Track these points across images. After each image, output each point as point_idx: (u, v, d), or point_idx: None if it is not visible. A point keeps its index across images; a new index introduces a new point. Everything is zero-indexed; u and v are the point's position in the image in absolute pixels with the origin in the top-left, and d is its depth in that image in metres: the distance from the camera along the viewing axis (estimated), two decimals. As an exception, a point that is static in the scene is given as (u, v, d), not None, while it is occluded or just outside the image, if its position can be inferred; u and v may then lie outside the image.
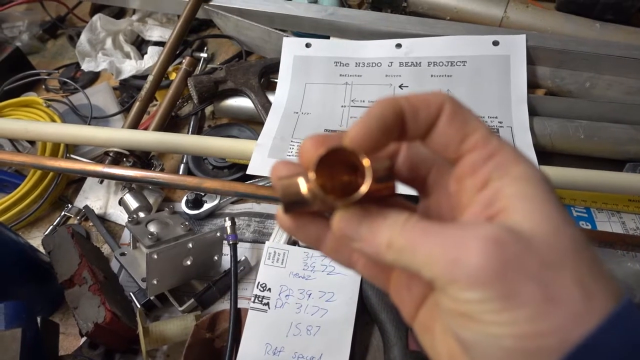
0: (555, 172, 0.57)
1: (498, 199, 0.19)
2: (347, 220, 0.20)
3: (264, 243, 0.59)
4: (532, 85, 0.69)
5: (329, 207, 0.21)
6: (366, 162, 0.19)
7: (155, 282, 0.53)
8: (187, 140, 0.61)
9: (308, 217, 0.23)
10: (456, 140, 0.20)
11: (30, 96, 0.78)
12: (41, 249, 0.60)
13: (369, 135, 0.20)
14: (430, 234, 0.18)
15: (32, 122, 0.67)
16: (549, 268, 0.17)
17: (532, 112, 0.64)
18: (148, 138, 0.61)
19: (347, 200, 0.19)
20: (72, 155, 0.68)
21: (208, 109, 0.77)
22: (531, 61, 0.68)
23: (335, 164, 0.20)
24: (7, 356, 0.42)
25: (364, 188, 0.19)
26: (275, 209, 0.64)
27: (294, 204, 0.21)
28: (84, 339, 0.55)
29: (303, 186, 0.20)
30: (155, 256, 0.51)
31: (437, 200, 0.23)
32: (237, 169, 0.68)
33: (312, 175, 0.19)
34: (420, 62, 0.69)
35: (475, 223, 0.19)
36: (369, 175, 0.19)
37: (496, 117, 0.64)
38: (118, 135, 0.62)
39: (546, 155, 0.63)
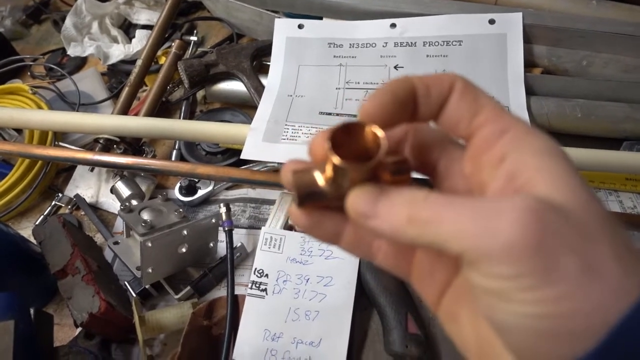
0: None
1: (520, 171, 0.18)
2: (362, 197, 0.19)
3: (260, 229, 0.58)
4: (529, 64, 0.68)
5: (345, 188, 0.20)
6: (380, 132, 0.19)
7: (150, 270, 0.52)
8: (179, 126, 0.60)
9: (323, 212, 0.21)
10: (467, 116, 0.20)
11: (15, 83, 0.76)
12: (32, 240, 0.58)
13: (382, 109, 0.19)
14: (456, 205, 0.17)
15: (17, 109, 0.65)
16: (588, 240, 0.16)
17: (529, 91, 0.63)
18: (139, 124, 0.60)
19: (367, 165, 0.18)
20: (61, 143, 0.67)
21: (199, 94, 0.76)
22: (528, 39, 0.67)
23: (349, 149, 0.19)
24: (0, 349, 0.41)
25: (383, 151, 0.18)
26: (271, 193, 0.63)
27: (309, 196, 0.20)
28: (79, 329, 0.54)
29: (319, 176, 0.20)
30: (150, 244, 0.50)
31: (452, 184, 0.22)
32: (230, 154, 0.66)
33: (327, 144, 0.18)
34: (415, 42, 0.68)
35: (507, 195, 0.17)
36: (384, 144, 0.18)
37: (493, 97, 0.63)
38: (108, 121, 0.60)
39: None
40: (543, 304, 0.16)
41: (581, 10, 0.71)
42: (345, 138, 0.19)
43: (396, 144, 0.22)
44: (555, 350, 0.16)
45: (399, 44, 0.68)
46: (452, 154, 0.22)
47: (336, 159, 0.18)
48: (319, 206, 0.21)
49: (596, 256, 0.16)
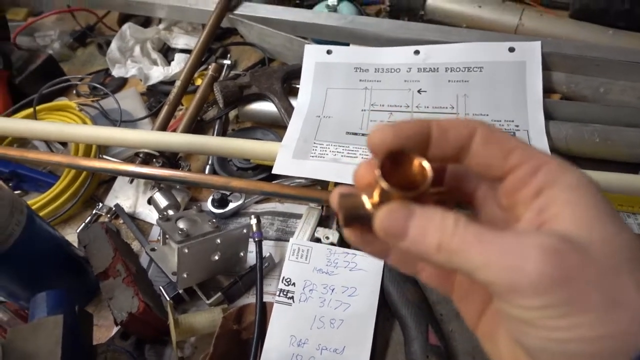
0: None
1: (550, 205, 0.19)
2: (392, 218, 0.20)
3: (287, 241, 0.61)
4: (548, 90, 0.71)
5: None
6: (427, 164, 0.21)
7: (185, 275, 0.55)
8: (214, 142, 0.64)
9: (373, 233, 0.22)
10: (498, 159, 0.21)
11: (63, 101, 0.82)
12: (74, 245, 0.63)
13: (386, 143, 0.21)
14: (483, 239, 0.19)
15: (67, 124, 0.70)
16: (608, 274, 0.17)
17: (548, 116, 0.66)
18: (177, 139, 0.64)
19: (413, 192, 0.20)
20: (104, 156, 0.71)
21: (232, 113, 0.80)
22: (546, 67, 0.70)
23: (395, 176, 0.21)
24: (50, 341, 0.45)
25: (428, 181, 0.20)
26: (298, 208, 0.66)
27: (354, 218, 0.22)
28: (115, 329, 0.58)
29: (366, 200, 0.22)
30: (186, 250, 0.53)
31: (490, 212, 0.24)
32: (260, 170, 0.70)
33: (377, 172, 0.20)
34: (437, 68, 0.71)
35: (530, 231, 0.19)
36: (430, 175, 0.20)
37: (512, 121, 0.66)
38: (148, 136, 0.65)
39: (562, 158, 0.65)
40: (570, 330, 0.17)
41: (598, 39, 0.74)
42: (392, 166, 0.21)
43: (437, 172, 0.23)
44: None
45: (422, 70, 0.72)
46: (488, 185, 0.24)
47: (384, 184, 0.20)
48: (366, 228, 0.22)
49: (618, 288, 0.17)
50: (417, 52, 0.73)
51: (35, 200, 0.67)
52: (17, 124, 0.69)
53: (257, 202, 0.69)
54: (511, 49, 0.70)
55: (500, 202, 0.22)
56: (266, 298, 0.57)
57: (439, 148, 0.22)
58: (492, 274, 0.18)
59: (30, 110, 0.76)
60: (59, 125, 0.68)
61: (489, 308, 0.24)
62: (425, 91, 0.70)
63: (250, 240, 0.59)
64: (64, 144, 0.77)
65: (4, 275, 0.52)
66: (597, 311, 0.17)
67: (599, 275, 0.17)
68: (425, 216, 0.20)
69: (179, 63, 0.83)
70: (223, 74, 0.83)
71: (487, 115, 0.66)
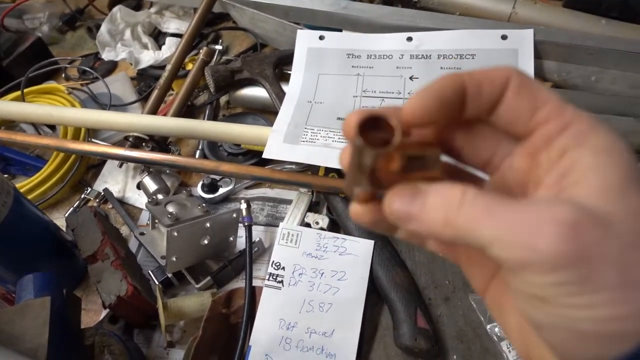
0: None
1: (573, 170, 0.18)
2: (397, 198, 0.19)
3: (277, 226, 0.61)
4: (539, 78, 0.71)
5: (381, 181, 0.20)
6: (395, 122, 0.19)
7: (174, 259, 0.55)
8: (205, 126, 0.63)
9: (379, 208, 0.21)
10: (526, 114, 0.19)
11: (52, 84, 0.81)
12: (62, 229, 0.62)
13: (424, 110, 0.19)
14: (494, 212, 0.17)
15: (56, 107, 0.70)
16: (630, 251, 0.16)
17: (539, 104, 0.66)
18: (168, 123, 0.64)
19: (382, 150, 0.19)
20: (94, 140, 0.71)
21: (222, 99, 0.80)
22: (538, 55, 0.70)
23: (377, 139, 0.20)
24: (37, 322, 0.45)
25: (396, 139, 0.19)
26: (288, 193, 0.66)
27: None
28: (104, 314, 0.58)
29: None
30: (176, 233, 0.53)
31: (507, 178, 0.21)
32: (251, 155, 0.70)
33: (355, 129, 0.19)
34: (430, 55, 0.71)
35: (547, 201, 0.17)
36: (398, 132, 0.19)
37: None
38: (139, 120, 0.65)
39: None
40: (583, 309, 0.16)
41: (591, 28, 0.74)
42: (373, 131, 0.19)
43: (435, 137, 0.22)
44: (593, 350, 0.17)
45: (415, 56, 0.72)
46: (504, 147, 0.21)
47: (358, 140, 0.19)
48: (369, 197, 0.22)
49: (636, 267, 0.16)
50: (409, 39, 0.73)
51: (22, 184, 0.67)
52: (4, 106, 0.68)
53: (247, 188, 0.68)
54: (504, 37, 0.70)
55: (520, 165, 0.20)
56: (255, 282, 0.57)
57: (474, 107, 0.20)
58: (502, 250, 0.17)
59: (18, 93, 0.75)
60: (48, 107, 0.67)
61: (499, 275, 0.23)
62: (417, 78, 0.70)
63: (240, 225, 0.59)
64: (53, 127, 0.76)
65: (-10, 258, 0.51)
66: (615, 290, 0.16)
67: (619, 253, 0.16)
68: (430, 192, 0.19)
69: (170, 47, 0.82)
70: (214, 59, 0.82)
71: (479, 102, 0.66)
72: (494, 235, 0.17)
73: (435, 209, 0.18)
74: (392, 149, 0.19)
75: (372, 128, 0.19)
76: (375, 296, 0.56)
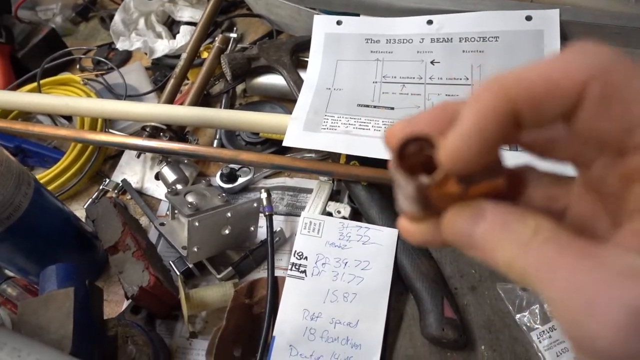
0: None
1: None
2: (457, 222, 0.17)
3: (297, 216, 0.60)
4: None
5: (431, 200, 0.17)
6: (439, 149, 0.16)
7: (195, 249, 0.54)
8: (223, 115, 0.62)
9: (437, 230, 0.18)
10: (614, 134, 0.14)
11: (67, 75, 0.80)
12: (83, 220, 0.62)
13: (465, 162, 0.15)
14: (561, 265, 0.14)
15: (72, 97, 0.69)
16: None
17: (566, 87, 0.64)
18: (186, 112, 0.63)
19: (427, 181, 0.16)
20: (111, 130, 0.70)
21: (239, 88, 0.78)
22: (564, 36, 0.67)
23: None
24: (61, 312, 0.44)
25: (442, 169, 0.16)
26: (308, 182, 0.65)
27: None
28: (125, 304, 0.57)
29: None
30: (197, 223, 0.52)
31: (599, 177, 0.17)
32: (269, 144, 0.69)
33: (395, 159, 0.16)
34: (451, 38, 0.69)
35: (625, 264, 0.13)
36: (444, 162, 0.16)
37: None
38: (156, 109, 0.64)
39: None
40: None
41: (619, 7, 0.71)
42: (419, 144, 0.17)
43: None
44: None
45: (436, 40, 0.70)
46: (588, 151, 0.17)
47: (399, 173, 0.16)
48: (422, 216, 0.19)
49: None
50: (430, 22, 0.71)
51: (41, 176, 0.66)
52: (21, 98, 0.68)
53: (266, 177, 0.67)
54: (528, 18, 0.67)
55: (614, 185, 0.16)
56: (277, 272, 0.56)
57: (533, 130, 0.15)
58: (559, 316, 0.14)
59: (34, 84, 0.75)
60: (65, 98, 0.67)
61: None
62: (438, 62, 0.68)
63: (261, 214, 0.58)
64: (69, 119, 0.76)
65: (12, 249, 0.51)
66: None
67: None
68: (496, 221, 0.16)
69: (184, 36, 0.80)
70: (230, 47, 0.81)
71: (503, 86, 0.64)
72: (555, 297, 0.14)
73: (499, 245, 0.15)
74: (439, 177, 0.16)
75: (416, 142, 0.17)
76: (400, 286, 0.55)
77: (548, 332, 0.49)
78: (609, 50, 0.14)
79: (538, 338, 0.49)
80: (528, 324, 0.51)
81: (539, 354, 0.49)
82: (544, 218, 0.15)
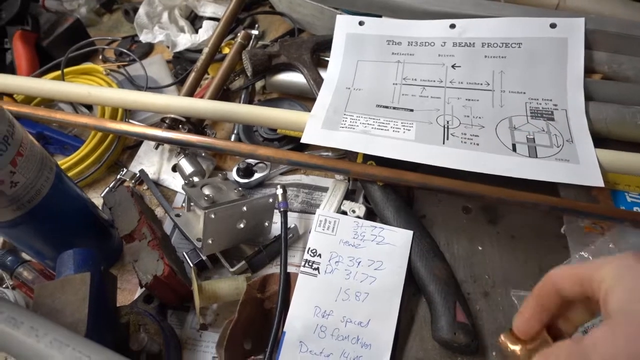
0: (610, 156, 0.56)
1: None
2: None
3: (312, 213, 0.60)
4: (588, 69, 0.67)
5: None
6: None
7: (210, 241, 0.54)
8: (242, 109, 0.63)
9: None
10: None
11: (90, 65, 0.81)
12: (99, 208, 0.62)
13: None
14: None
15: (94, 87, 0.70)
16: None
17: (588, 97, 0.63)
18: (206, 106, 0.63)
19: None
20: (131, 120, 0.71)
21: (258, 84, 0.79)
22: (588, 45, 0.67)
23: None
24: (77, 297, 0.45)
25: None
26: (324, 181, 0.65)
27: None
28: (138, 293, 0.58)
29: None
30: (213, 215, 0.53)
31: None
32: (287, 141, 0.69)
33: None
34: (474, 43, 0.69)
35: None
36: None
37: (551, 100, 0.63)
38: (177, 102, 0.64)
39: (601, 140, 0.62)
40: None
41: (646, 18, 0.70)
42: None
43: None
44: None
45: (458, 44, 0.69)
46: None
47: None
48: None
49: None
50: (452, 26, 0.71)
51: (61, 162, 0.67)
52: (45, 85, 0.69)
53: (282, 174, 0.68)
54: (552, 25, 0.67)
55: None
56: (289, 269, 0.56)
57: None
58: None
59: (58, 72, 0.76)
60: (87, 87, 0.68)
61: None
62: (459, 66, 0.68)
63: (276, 210, 0.59)
64: (90, 108, 0.77)
65: (31, 232, 0.52)
66: None
67: None
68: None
69: (207, 31, 0.81)
70: (251, 44, 0.82)
71: (524, 92, 0.64)
72: None
73: None
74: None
75: None
76: (412, 287, 0.55)
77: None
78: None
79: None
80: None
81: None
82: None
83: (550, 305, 0.30)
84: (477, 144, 0.58)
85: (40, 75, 0.79)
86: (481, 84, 0.66)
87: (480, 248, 0.58)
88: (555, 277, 0.29)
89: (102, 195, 0.66)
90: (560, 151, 0.57)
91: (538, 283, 0.30)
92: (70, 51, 0.75)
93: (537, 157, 0.56)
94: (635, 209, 0.58)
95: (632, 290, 0.24)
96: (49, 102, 0.77)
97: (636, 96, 0.64)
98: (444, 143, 0.58)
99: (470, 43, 0.69)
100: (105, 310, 0.48)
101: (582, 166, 0.55)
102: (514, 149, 0.57)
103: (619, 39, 0.66)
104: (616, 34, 0.66)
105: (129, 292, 0.60)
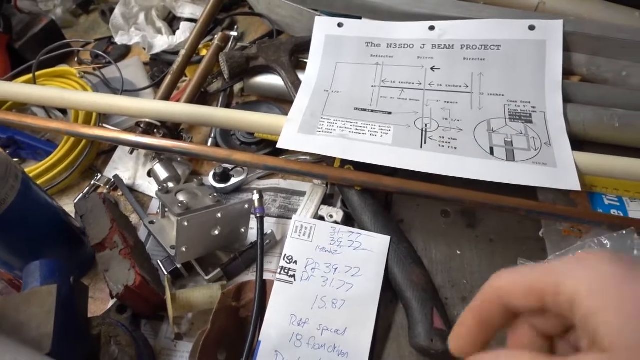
0: (587, 159, 0.56)
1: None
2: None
3: (289, 219, 0.59)
4: (567, 72, 0.67)
5: None
6: None
7: (184, 249, 0.53)
8: (219, 113, 0.62)
9: None
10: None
11: (64, 67, 0.79)
12: (72, 215, 0.61)
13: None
14: None
15: (68, 90, 0.68)
16: None
17: (566, 99, 0.63)
18: (181, 109, 0.62)
19: None
20: (105, 125, 0.69)
21: (236, 87, 0.78)
22: (567, 47, 0.67)
23: None
24: (43, 310, 0.43)
25: None
26: (302, 185, 0.64)
27: None
28: (111, 303, 0.56)
29: None
30: (186, 223, 0.51)
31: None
32: (264, 145, 0.68)
33: None
34: (453, 45, 0.68)
35: None
36: None
37: (529, 102, 0.63)
38: (152, 106, 0.63)
39: (579, 143, 0.62)
40: None
41: (623, 20, 0.70)
42: None
43: None
44: None
45: (437, 46, 0.69)
46: None
47: None
48: None
49: None
50: (432, 28, 0.70)
51: (32, 168, 0.66)
52: (16, 88, 0.67)
53: (259, 178, 0.67)
54: (531, 27, 0.67)
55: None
56: (266, 276, 0.55)
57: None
58: None
59: (30, 76, 0.74)
60: (60, 90, 0.66)
61: None
62: (438, 69, 0.68)
63: (252, 216, 0.58)
64: (64, 112, 0.75)
65: (-3, 242, 0.50)
66: None
67: None
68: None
69: (184, 32, 0.80)
70: (229, 46, 0.80)
71: (503, 95, 0.64)
72: None
73: None
74: None
75: None
76: (390, 294, 0.54)
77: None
78: (601, 273, 0.20)
79: (528, 353, 0.49)
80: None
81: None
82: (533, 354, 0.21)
83: (494, 321, 0.24)
84: (455, 148, 0.57)
85: (12, 79, 0.77)
86: (460, 87, 0.66)
87: (458, 252, 0.57)
88: (499, 285, 0.23)
89: (74, 202, 0.65)
90: (538, 154, 0.56)
91: (479, 292, 0.24)
92: (42, 54, 0.73)
93: (514, 160, 0.56)
94: (612, 211, 0.58)
95: (631, 317, 0.19)
96: (21, 107, 0.75)
97: (614, 98, 0.64)
98: (421, 147, 0.58)
99: (449, 45, 0.69)
100: (74, 322, 0.47)
101: (560, 170, 0.55)
102: (492, 153, 0.57)
103: (597, 41, 0.66)
104: (595, 37, 0.66)
105: (102, 302, 0.59)
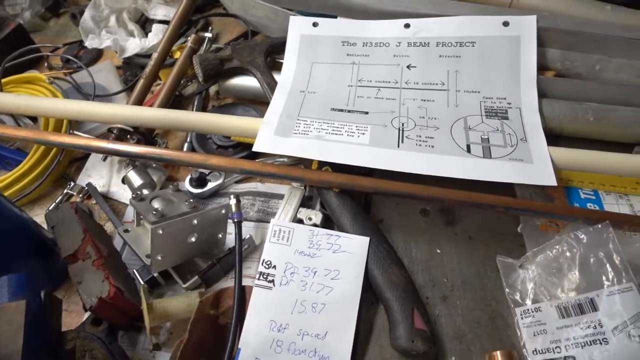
0: (564, 154, 0.57)
1: None
2: None
3: (268, 222, 0.58)
4: (541, 67, 0.68)
5: None
6: None
7: (159, 257, 0.52)
8: (193, 117, 0.60)
9: None
10: None
11: (32, 73, 0.77)
12: (44, 226, 0.59)
13: None
14: None
15: (35, 97, 0.66)
16: None
17: (541, 94, 0.63)
18: (154, 114, 0.60)
19: None
20: (76, 132, 0.67)
21: (212, 89, 0.76)
22: (541, 43, 0.67)
23: None
24: (11, 327, 0.42)
25: None
26: (280, 188, 0.63)
27: None
28: (86, 315, 0.55)
29: None
30: (160, 231, 0.50)
31: None
32: (241, 148, 0.67)
33: None
34: (428, 43, 0.68)
35: None
36: None
37: (505, 99, 0.63)
38: (123, 111, 0.61)
39: (555, 137, 0.62)
40: None
41: (595, 15, 0.71)
42: None
43: None
44: None
45: (413, 44, 0.69)
46: None
47: None
48: None
49: None
50: (407, 26, 0.70)
51: (1, 179, 0.64)
52: (-20, 97, 0.65)
53: (237, 182, 0.66)
54: (505, 23, 0.67)
55: None
56: (246, 281, 0.54)
57: None
58: None
59: (-4, 82, 0.71)
60: (27, 97, 0.64)
61: None
62: (414, 67, 0.67)
63: (230, 221, 0.57)
64: (34, 119, 0.73)
65: (-38, 258, 0.48)
66: None
67: None
68: None
69: (157, 35, 0.78)
70: (204, 47, 0.79)
71: (479, 92, 0.64)
72: None
73: None
74: None
75: None
76: (370, 296, 0.53)
77: (532, 312, 0.49)
78: None
79: (521, 315, 0.49)
80: (517, 299, 0.50)
81: (517, 330, 0.49)
82: None
83: None
84: (432, 146, 0.57)
85: (-23, 86, 0.74)
86: (436, 84, 0.65)
87: (438, 251, 0.57)
88: None
89: (45, 213, 0.63)
90: (514, 151, 0.57)
91: None
92: (7, 59, 0.71)
93: (491, 157, 0.56)
94: (588, 204, 0.58)
95: None
96: (-12, 115, 0.72)
97: (588, 93, 0.64)
98: (398, 146, 0.57)
99: (425, 43, 0.68)
100: (46, 337, 0.46)
101: (536, 166, 0.55)
102: (469, 150, 0.57)
103: (571, 36, 0.67)
104: (568, 31, 0.66)
105: (77, 314, 0.57)
